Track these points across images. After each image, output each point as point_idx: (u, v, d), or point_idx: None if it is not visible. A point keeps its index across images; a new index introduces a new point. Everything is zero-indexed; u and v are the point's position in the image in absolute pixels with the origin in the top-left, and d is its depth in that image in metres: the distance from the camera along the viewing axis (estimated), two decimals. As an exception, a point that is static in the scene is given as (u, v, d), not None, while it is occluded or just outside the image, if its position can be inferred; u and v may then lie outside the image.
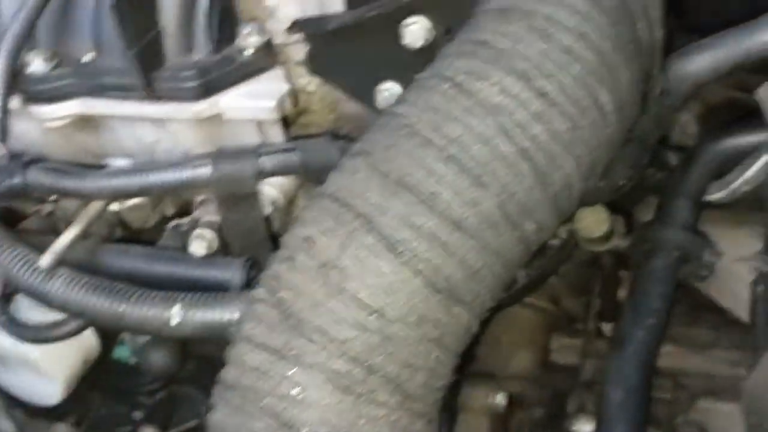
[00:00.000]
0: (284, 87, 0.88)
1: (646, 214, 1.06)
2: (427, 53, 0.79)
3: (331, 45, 0.87)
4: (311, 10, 0.89)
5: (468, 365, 1.07)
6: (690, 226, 0.97)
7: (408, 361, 0.61)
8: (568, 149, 0.65)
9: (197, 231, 0.90)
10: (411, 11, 0.82)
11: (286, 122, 0.91)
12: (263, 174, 0.84)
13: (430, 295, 0.61)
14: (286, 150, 0.84)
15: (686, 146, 1.06)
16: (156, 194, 0.91)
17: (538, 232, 0.66)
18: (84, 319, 0.91)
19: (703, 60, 0.81)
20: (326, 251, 0.62)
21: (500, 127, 0.63)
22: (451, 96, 0.65)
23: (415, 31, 0.82)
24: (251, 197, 0.86)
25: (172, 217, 1.00)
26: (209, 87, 0.86)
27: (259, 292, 0.64)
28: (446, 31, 0.82)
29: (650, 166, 1.03)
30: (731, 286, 1.01)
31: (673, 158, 1.05)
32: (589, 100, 0.65)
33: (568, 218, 1.00)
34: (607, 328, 1.15)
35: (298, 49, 0.90)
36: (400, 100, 0.69)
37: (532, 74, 0.64)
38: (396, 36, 0.83)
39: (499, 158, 0.63)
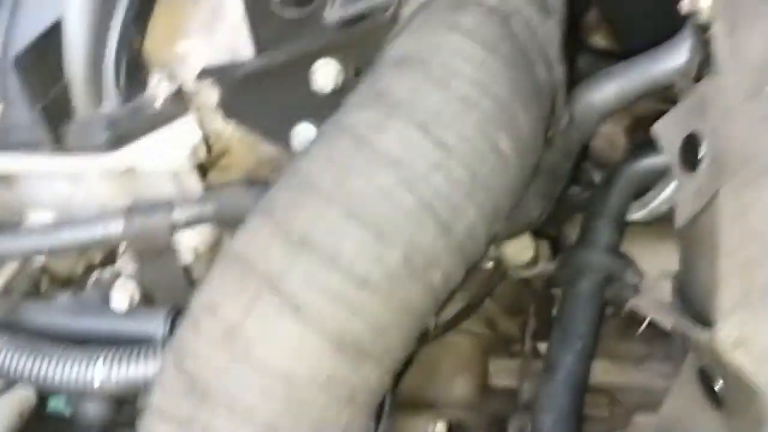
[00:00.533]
0: (197, 134, 0.87)
1: (574, 233, 1.07)
2: (339, 94, 0.79)
3: (244, 90, 0.86)
4: (222, 56, 0.88)
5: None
6: (612, 248, 0.97)
7: (318, 423, 0.60)
8: (469, 197, 0.65)
9: (119, 283, 0.89)
10: (319, 55, 0.82)
11: (203, 169, 0.90)
12: (177, 227, 0.83)
13: (338, 355, 0.61)
14: (199, 201, 0.83)
15: (614, 160, 1.07)
16: (69, 252, 0.89)
17: (445, 282, 0.65)
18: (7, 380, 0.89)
19: (609, 89, 0.82)
20: (230, 316, 0.61)
21: (401, 180, 0.63)
22: (352, 149, 0.65)
23: (325, 74, 0.82)
24: (168, 249, 0.85)
25: (100, 264, 0.98)
26: (120, 138, 0.85)
27: (166, 360, 0.63)
28: (356, 73, 0.82)
29: (575, 185, 1.04)
30: (657, 299, 1.02)
31: (598, 177, 1.05)
32: (488, 147, 0.65)
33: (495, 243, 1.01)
34: (543, 347, 1.16)
35: (212, 94, 0.89)
36: (303, 154, 0.68)
37: (430, 124, 0.64)
38: (307, 79, 0.82)
39: (401, 211, 0.63)
